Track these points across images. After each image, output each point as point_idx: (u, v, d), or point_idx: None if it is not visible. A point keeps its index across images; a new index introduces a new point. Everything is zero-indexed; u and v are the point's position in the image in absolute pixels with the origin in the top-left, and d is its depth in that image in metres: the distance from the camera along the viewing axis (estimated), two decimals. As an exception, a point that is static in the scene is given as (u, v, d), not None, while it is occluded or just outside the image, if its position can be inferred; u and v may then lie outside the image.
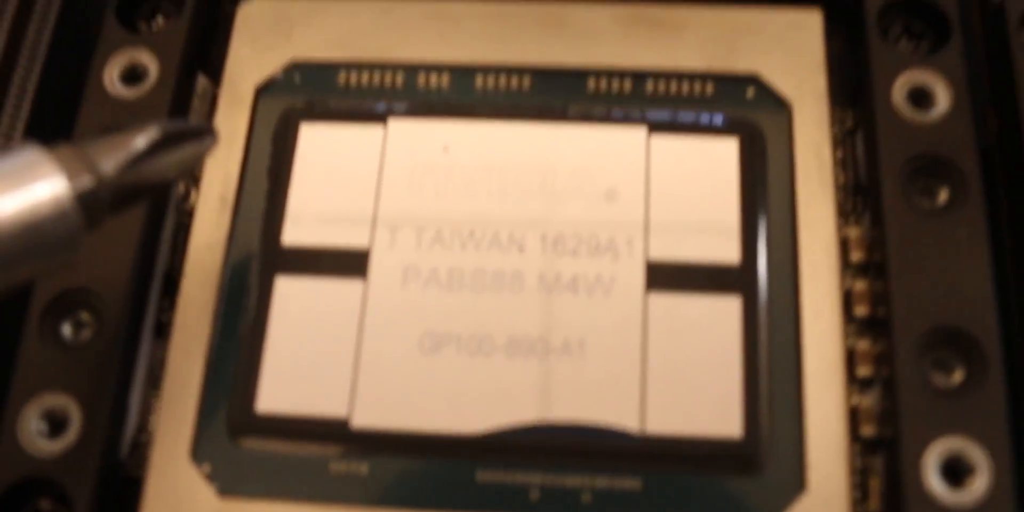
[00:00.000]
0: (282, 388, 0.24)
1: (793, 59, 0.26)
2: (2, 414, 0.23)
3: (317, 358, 0.24)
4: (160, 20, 0.28)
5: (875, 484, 0.23)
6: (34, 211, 0.19)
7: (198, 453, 0.24)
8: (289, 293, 0.25)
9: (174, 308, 0.25)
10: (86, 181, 0.19)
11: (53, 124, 0.27)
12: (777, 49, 0.27)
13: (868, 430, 0.23)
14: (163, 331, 0.25)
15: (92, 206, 0.19)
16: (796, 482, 0.23)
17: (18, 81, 0.27)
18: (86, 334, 0.24)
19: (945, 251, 0.24)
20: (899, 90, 0.25)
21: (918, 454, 0.22)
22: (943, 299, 0.23)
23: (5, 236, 0.18)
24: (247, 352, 0.24)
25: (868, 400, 0.24)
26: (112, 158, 0.20)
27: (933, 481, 0.22)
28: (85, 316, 0.24)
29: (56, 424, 0.23)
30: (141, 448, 0.24)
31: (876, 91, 0.25)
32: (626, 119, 0.26)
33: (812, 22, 0.27)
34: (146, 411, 0.24)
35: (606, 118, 0.26)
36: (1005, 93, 0.25)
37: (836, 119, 0.26)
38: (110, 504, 0.23)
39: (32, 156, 0.19)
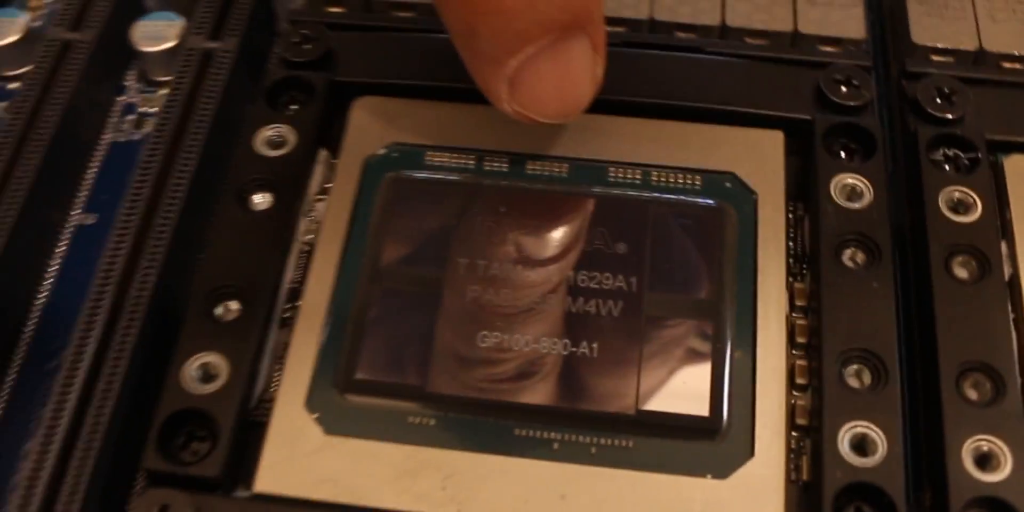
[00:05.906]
0: (376, 362, 0.33)
1: (760, 164, 0.36)
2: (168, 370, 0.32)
3: (403, 343, 0.33)
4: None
5: (806, 461, 0.32)
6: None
7: (310, 404, 0.32)
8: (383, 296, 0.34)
9: (296, 309, 0.34)
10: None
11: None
12: (748, 156, 0.37)
13: (802, 421, 0.32)
14: (286, 323, 0.34)
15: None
16: (747, 450, 0.31)
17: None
18: (232, 316, 0.33)
19: (863, 296, 0.33)
20: (835, 187, 0.35)
21: (835, 433, 0.31)
22: (860, 328, 0.32)
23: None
24: (351, 336, 0.33)
25: (804, 400, 0.32)
26: None
27: (844, 452, 0.30)
28: (233, 305, 0.33)
29: (208, 376, 0.32)
30: (265, 404, 0.32)
31: (819, 187, 0.35)
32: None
33: (776, 139, 0.37)
34: (270, 380, 0.33)
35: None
36: (915, 192, 0.36)
37: (790, 209, 0.36)
38: (244, 437, 0.31)
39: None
